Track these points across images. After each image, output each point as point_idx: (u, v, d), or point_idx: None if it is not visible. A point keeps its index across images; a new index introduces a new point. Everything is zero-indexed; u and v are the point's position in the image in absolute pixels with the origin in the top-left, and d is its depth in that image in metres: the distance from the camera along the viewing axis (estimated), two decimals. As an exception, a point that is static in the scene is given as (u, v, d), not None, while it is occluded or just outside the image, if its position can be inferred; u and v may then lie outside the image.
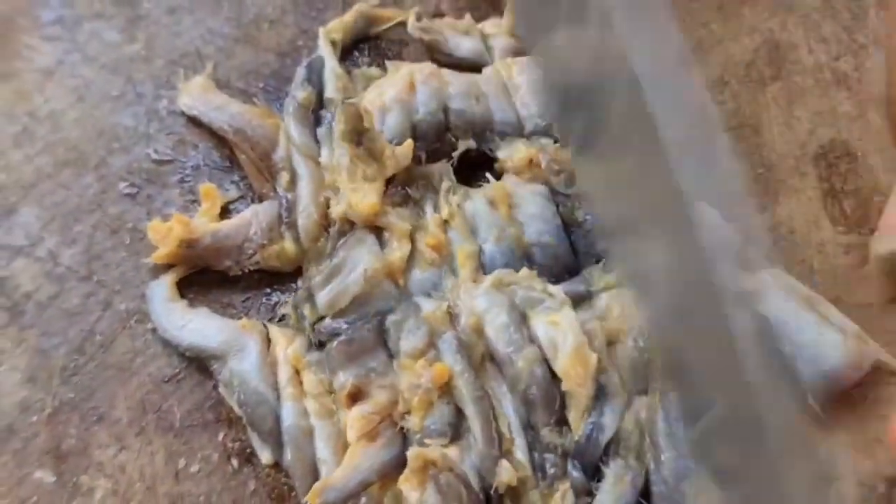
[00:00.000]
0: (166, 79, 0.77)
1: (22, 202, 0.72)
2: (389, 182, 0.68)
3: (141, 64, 0.77)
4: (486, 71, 0.74)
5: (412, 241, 0.66)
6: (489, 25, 0.78)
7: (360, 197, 0.66)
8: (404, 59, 0.79)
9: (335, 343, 0.63)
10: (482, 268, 0.66)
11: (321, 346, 0.65)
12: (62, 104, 0.75)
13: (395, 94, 0.70)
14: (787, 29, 0.79)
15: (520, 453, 0.60)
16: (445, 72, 0.73)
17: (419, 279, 0.66)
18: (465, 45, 0.77)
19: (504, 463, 0.59)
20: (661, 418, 0.61)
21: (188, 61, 0.78)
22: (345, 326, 0.64)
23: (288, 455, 0.63)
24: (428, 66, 0.73)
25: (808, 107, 0.76)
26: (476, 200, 0.68)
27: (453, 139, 0.71)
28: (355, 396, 0.62)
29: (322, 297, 0.65)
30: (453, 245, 0.67)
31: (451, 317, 0.63)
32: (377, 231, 0.67)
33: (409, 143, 0.67)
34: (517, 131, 0.72)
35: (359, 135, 0.67)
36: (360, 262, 0.65)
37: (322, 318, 0.66)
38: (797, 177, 0.74)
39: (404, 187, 0.68)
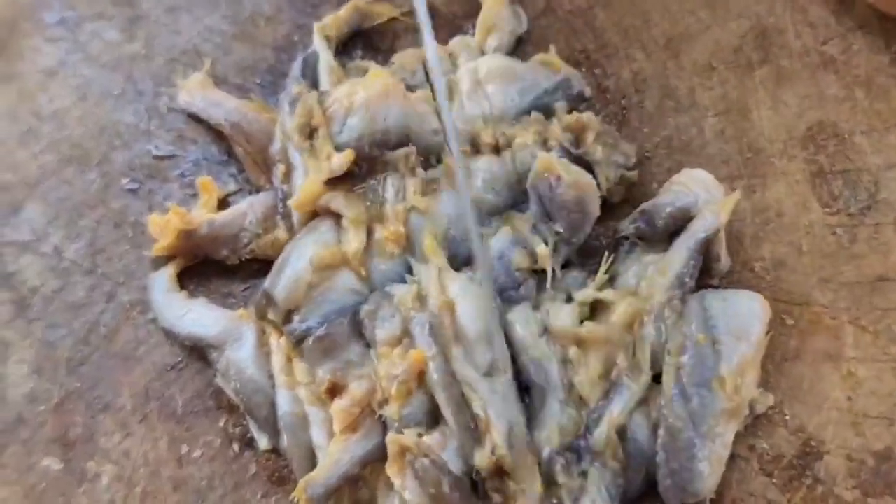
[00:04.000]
0: (166, 76, 0.76)
1: (28, 199, 0.71)
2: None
3: (141, 62, 0.76)
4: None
5: (370, 230, 0.65)
6: (454, 43, 0.76)
7: (301, 187, 0.65)
8: (396, 51, 0.77)
9: (310, 340, 0.62)
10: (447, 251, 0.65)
11: (298, 344, 0.63)
12: (65, 103, 0.74)
13: (365, 98, 0.67)
14: (775, 13, 0.76)
15: (498, 437, 0.58)
16: (415, 97, 0.70)
17: (382, 270, 0.65)
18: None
19: (487, 446, 0.58)
20: (676, 398, 0.60)
21: (187, 59, 0.76)
22: (314, 325, 0.62)
23: (285, 441, 0.62)
24: (401, 86, 0.69)
25: (795, 90, 0.74)
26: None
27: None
28: (333, 391, 0.61)
29: (279, 293, 0.63)
30: (416, 233, 0.65)
31: (422, 299, 0.62)
32: (337, 219, 0.66)
33: (348, 152, 0.64)
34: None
35: (310, 129, 0.66)
36: (306, 251, 0.64)
37: (289, 315, 0.63)
38: (785, 159, 0.71)
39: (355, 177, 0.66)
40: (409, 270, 0.65)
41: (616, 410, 0.60)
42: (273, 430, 0.63)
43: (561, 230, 0.65)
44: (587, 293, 0.65)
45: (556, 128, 0.69)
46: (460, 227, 0.66)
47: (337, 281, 0.64)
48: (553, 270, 0.65)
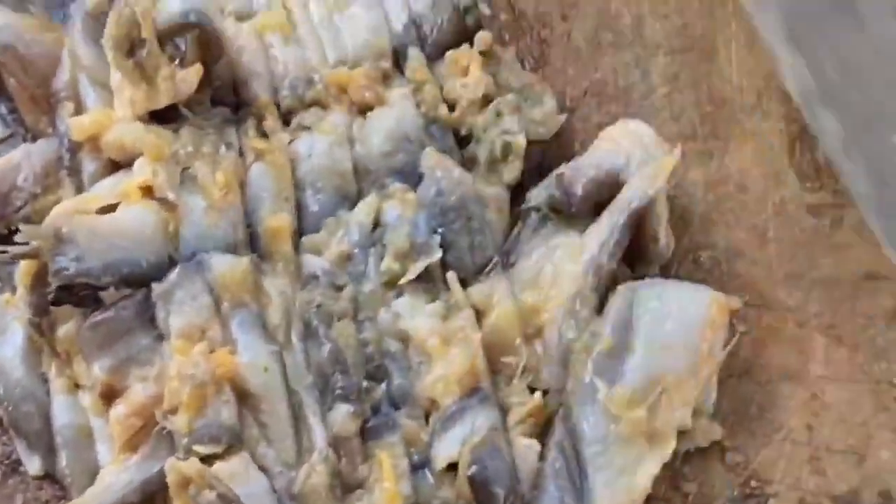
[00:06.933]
0: None
1: None
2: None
3: None
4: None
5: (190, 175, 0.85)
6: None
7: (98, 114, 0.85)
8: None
9: (83, 327, 0.80)
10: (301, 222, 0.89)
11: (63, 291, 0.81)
12: None
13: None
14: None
15: (320, 462, 0.80)
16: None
17: (197, 234, 0.84)
18: None
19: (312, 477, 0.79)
20: (574, 415, 0.84)
21: (-63, -50, 0.98)
22: (94, 267, 0.79)
23: (63, 462, 0.84)
24: None
25: (781, 23, 0.95)
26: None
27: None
28: (110, 395, 0.79)
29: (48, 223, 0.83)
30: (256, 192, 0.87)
31: (258, 287, 0.82)
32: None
33: (197, 67, 0.85)
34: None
35: (132, 45, 0.85)
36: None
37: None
38: (758, 116, 0.95)
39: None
40: (235, 246, 0.86)
41: (459, 437, 0.85)
42: (47, 448, 0.85)
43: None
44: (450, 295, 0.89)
45: (419, 69, 0.94)
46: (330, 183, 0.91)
47: (135, 225, 0.84)
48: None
